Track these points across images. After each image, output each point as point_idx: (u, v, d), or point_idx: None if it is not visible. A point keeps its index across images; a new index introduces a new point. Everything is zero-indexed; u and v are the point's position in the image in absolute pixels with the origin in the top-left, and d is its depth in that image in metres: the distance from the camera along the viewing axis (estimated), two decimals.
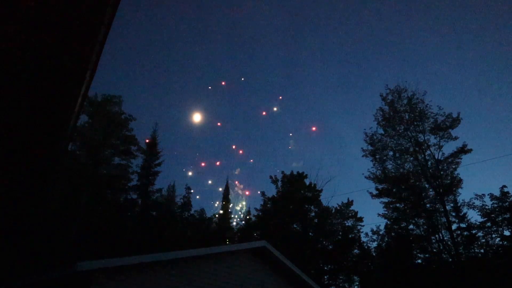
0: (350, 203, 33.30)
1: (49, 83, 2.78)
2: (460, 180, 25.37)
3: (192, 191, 34.32)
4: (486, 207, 23.08)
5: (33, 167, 3.95)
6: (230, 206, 41.52)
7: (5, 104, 3.04)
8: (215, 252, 10.37)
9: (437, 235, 24.87)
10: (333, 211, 33.20)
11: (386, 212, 28.05)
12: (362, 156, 29.23)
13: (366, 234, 38.47)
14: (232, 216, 38.80)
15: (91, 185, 23.83)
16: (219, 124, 58.53)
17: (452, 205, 25.30)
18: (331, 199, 58.13)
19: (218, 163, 58.56)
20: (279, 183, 34.49)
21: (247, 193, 50.72)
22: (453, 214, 24.94)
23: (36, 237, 17.40)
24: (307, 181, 33.68)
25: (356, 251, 31.06)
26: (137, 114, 34.13)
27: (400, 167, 27.93)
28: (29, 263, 16.35)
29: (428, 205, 25.95)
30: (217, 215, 38.73)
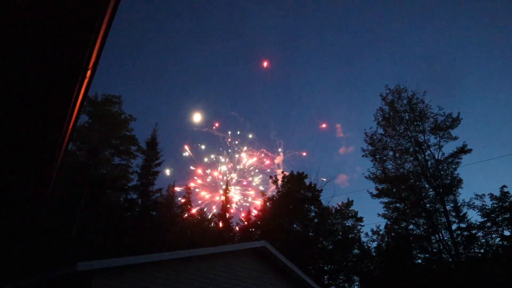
0: (350, 203, 33.31)
1: (49, 83, 2.78)
2: (460, 180, 25.37)
3: (192, 189, 34.34)
4: (486, 207, 23.08)
5: (33, 167, 3.95)
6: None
7: (5, 104, 3.04)
8: (215, 252, 10.38)
9: (437, 235, 24.87)
10: (333, 211, 33.21)
11: (386, 212, 28.07)
12: (362, 156, 29.24)
13: (366, 234, 38.55)
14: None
15: (91, 185, 23.82)
16: (217, 124, 58.55)
17: (452, 205, 25.30)
18: (331, 199, 58.14)
19: (216, 172, 58.79)
20: (279, 183, 34.52)
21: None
22: (453, 214, 24.94)
23: (36, 237, 17.40)
24: (307, 181, 33.72)
25: (356, 251, 31.06)
26: (137, 114, 34.12)
27: (400, 167, 27.92)
28: (29, 263, 16.36)
29: (428, 205, 25.93)
30: (217, 215, 38.72)
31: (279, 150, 63.02)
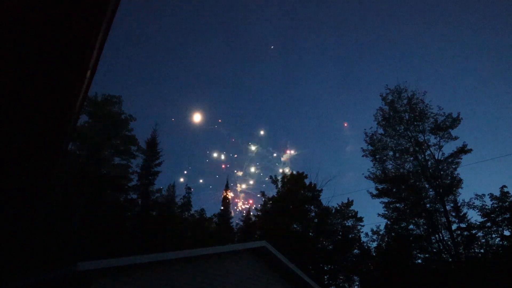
0: (350, 203, 33.31)
1: (49, 83, 2.78)
2: (460, 180, 25.36)
3: (192, 190, 34.37)
4: (486, 207, 23.08)
5: (33, 167, 3.95)
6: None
7: (5, 104, 3.04)
8: (215, 252, 10.37)
9: (437, 235, 24.86)
10: (333, 211, 33.22)
11: (386, 212, 28.06)
12: (362, 156, 29.25)
13: (366, 234, 38.50)
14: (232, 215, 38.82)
15: (91, 185, 23.82)
16: (219, 120, 58.61)
17: (452, 205, 25.29)
18: (331, 199, 58.04)
19: (223, 166, 58.52)
20: (279, 183, 34.52)
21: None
22: (453, 214, 24.93)
23: (36, 237, 17.39)
24: (307, 181, 33.72)
25: (356, 251, 31.07)
26: (137, 114, 34.10)
27: (400, 167, 27.92)
28: (29, 263, 16.35)
29: (428, 205, 25.93)
30: (217, 215, 38.71)
31: (285, 148, 62.80)
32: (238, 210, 47.28)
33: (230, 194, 40.82)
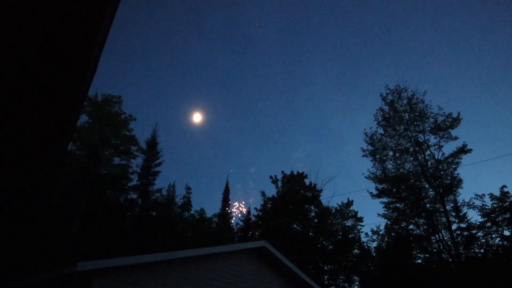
0: (350, 203, 33.32)
1: (48, 83, 2.78)
2: (460, 180, 25.38)
3: (191, 190, 34.33)
4: (486, 207, 23.10)
5: (33, 167, 3.95)
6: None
7: (5, 104, 3.04)
8: (215, 252, 10.38)
9: (437, 235, 24.89)
10: (333, 211, 33.23)
11: (386, 212, 28.08)
12: (362, 156, 29.27)
13: (366, 234, 38.57)
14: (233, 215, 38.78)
15: (91, 185, 23.84)
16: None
17: (452, 205, 25.32)
18: (331, 199, 58.02)
19: (230, 170, 58.30)
20: (279, 183, 34.50)
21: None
22: (453, 214, 24.95)
23: (36, 237, 17.41)
24: (307, 181, 33.72)
25: (356, 251, 31.09)
26: (137, 114, 34.17)
27: (400, 167, 27.94)
28: (29, 263, 16.36)
29: (428, 205, 25.96)
30: (217, 215, 38.69)
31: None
32: (247, 206, 46.92)
33: (230, 196, 40.69)
